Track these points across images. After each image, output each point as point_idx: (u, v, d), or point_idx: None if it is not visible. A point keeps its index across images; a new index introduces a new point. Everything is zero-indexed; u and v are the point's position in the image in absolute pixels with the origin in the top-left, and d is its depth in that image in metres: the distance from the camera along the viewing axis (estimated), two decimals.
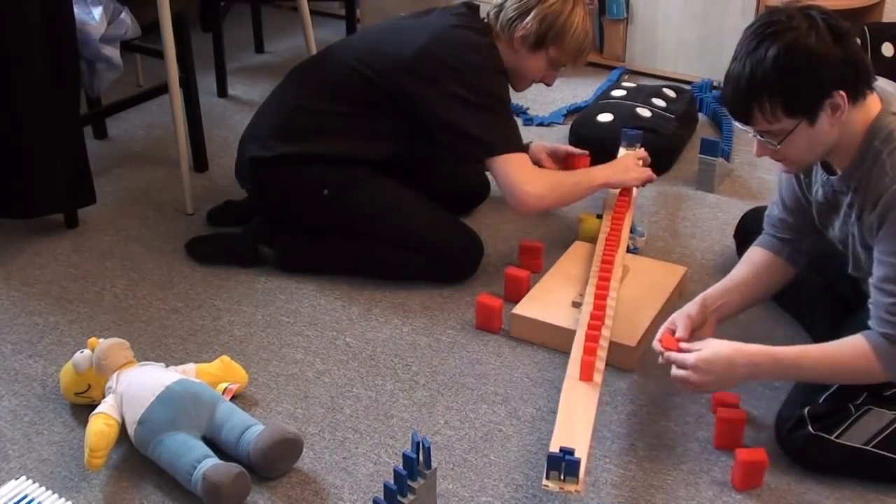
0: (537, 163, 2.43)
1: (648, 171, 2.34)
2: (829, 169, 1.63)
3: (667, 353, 1.67)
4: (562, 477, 1.48)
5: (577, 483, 1.47)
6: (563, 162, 2.50)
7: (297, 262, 2.30)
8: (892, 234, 1.51)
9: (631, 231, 2.26)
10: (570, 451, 1.48)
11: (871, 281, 1.56)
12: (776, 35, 1.47)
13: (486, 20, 2.24)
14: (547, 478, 1.48)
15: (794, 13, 1.48)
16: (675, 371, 1.64)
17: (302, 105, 2.23)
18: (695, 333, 1.78)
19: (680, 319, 1.75)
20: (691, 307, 1.77)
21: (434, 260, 2.21)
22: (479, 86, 2.13)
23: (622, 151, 2.46)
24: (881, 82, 1.59)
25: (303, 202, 2.24)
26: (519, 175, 2.13)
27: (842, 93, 1.48)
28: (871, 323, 1.57)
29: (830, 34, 1.47)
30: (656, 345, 1.72)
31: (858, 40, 1.61)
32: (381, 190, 2.22)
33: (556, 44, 2.20)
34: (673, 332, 1.72)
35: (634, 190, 2.34)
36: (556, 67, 2.27)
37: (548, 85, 2.33)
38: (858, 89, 1.51)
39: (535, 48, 2.20)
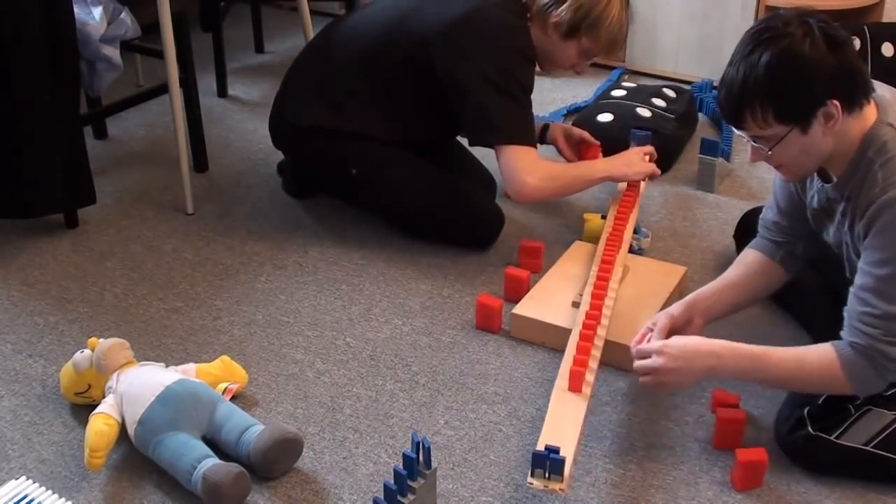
0: (553, 142, 2.47)
1: (652, 166, 2.36)
2: (824, 177, 1.63)
3: (634, 346, 1.69)
4: (546, 475, 1.49)
5: (562, 482, 1.48)
6: (576, 146, 2.52)
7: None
8: (875, 245, 1.51)
9: (636, 232, 2.27)
10: (556, 450, 1.48)
11: (851, 288, 1.56)
12: (771, 41, 1.47)
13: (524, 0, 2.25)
14: (532, 476, 1.49)
15: (791, 20, 1.48)
16: (639, 361, 1.64)
17: (343, 69, 2.29)
18: (679, 333, 1.77)
19: (661, 317, 1.76)
20: (675, 306, 1.78)
21: (455, 231, 2.34)
22: (507, 71, 2.16)
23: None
24: (881, 90, 1.58)
25: (331, 176, 2.38)
26: (522, 164, 2.17)
27: (835, 102, 1.47)
28: (842, 332, 1.57)
29: (826, 42, 1.46)
30: (633, 344, 1.73)
31: (858, 42, 1.61)
32: (407, 173, 2.31)
33: (588, 34, 2.22)
34: (651, 331, 1.74)
35: (642, 187, 2.37)
36: (586, 57, 2.29)
37: (578, 73, 2.36)
38: (854, 99, 1.51)
39: (567, 36, 2.22)
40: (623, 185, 2.39)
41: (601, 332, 1.84)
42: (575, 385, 1.66)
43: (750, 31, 1.52)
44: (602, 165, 2.32)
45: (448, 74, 2.18)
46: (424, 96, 2.26)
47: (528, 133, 2.21)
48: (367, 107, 2.28)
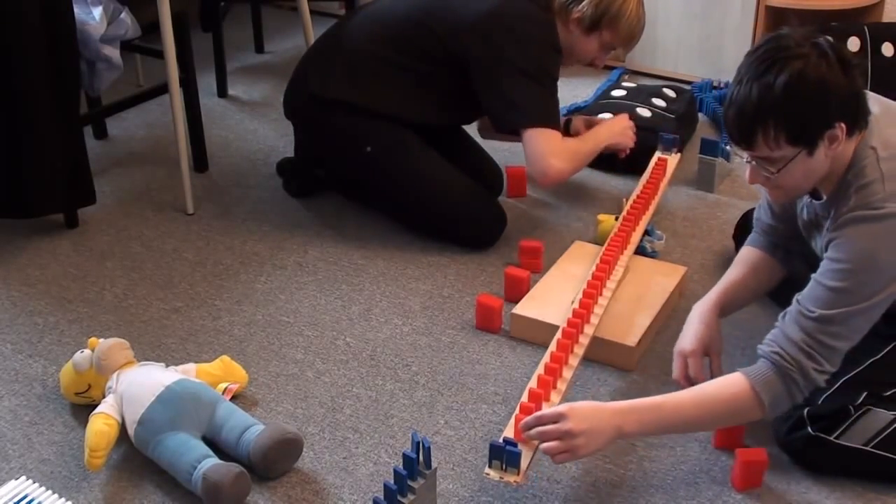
0: (576, 134, 2.52)
1: (632, 134, 2.48)
2: (814, 194, 1.63)
3: (527, 420, 1.54)
4: (503, 467, 1.50)
5: (518, 475, 1.48)
6: None
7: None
8: (831, 257, 1.52)
9: (649, 234, 2.27)
10: (513, 443, 1.50)
11: (795, 296, 1.56)
12: (786, 61, 1.44)
13: None
14: (489, 466, 1.51)
15: (801, 40, 1.46)
16: (545, 427, 1.51)
17: (370, 48, 2.33)
18: (712, 347, 1.78)
19: (713, 343, 1.77)
20: (708, 315, 1.77)
21: (457, 228, 2.35)
22: (535, 59, 2.24)
23: (658, 155, 2.54)
24: (872, 105, 1.56)
25: (343, 152, 2.38)
26: (547, 147, 2.24)
27: (842, 125, 1.47)
28: (763, 345, 1.57)
29: (840, 65, 1.45)
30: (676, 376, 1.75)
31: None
32: (420, 158, 2.34)
33: (609, 28, 2.30)
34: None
35: (662, 187, 2.40)
36: (607, 51, 2.37)
37: (597, 67, 2.44)
38: (856, 122, 1.50)
39: (589, 31, 2.30)
40: (647, 174, 2.43)
41: (588, 330, 1.84)
42: (518, 434, 1.58)
43: (758, 50, 1.49)
44: (604, 135, 2.42)
45: (478, 63, 2.24)
46: (447, 81, 2.30)
47: (553, 117, 2.29)
48: (389, 87, 2.32)
